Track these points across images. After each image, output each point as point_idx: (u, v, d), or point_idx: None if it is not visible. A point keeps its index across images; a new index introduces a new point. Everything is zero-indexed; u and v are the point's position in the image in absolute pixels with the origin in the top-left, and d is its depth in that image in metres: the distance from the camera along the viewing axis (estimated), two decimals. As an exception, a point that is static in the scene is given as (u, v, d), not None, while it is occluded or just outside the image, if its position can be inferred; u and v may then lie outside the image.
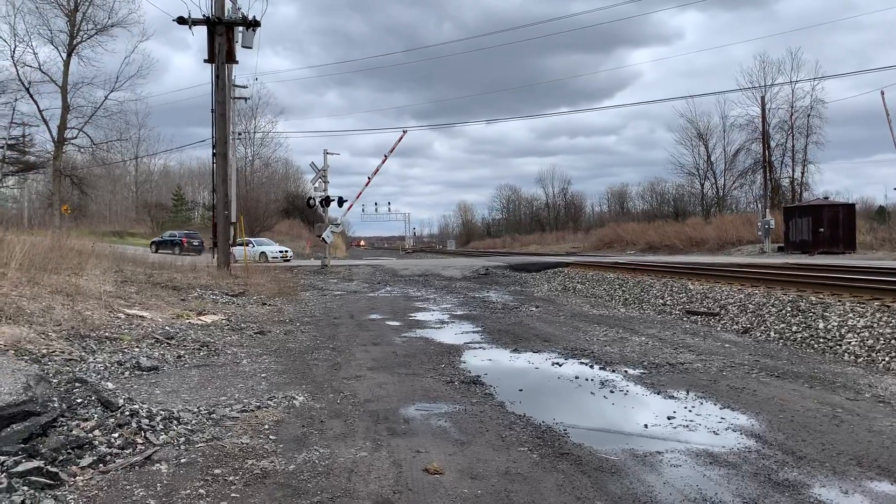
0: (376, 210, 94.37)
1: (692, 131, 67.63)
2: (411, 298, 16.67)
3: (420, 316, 12.87)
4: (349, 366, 7.62)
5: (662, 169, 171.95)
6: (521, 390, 6.48)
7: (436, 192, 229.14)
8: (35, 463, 3.84)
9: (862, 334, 8.71)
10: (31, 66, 46.87)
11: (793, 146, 56.45)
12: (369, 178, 32.45)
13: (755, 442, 4.77)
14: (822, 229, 36.03)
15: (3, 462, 3.84)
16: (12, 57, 46.39)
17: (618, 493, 3.82)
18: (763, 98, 49.24)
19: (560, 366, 7.75)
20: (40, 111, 48.52)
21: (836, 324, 9.35)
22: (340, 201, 29.83)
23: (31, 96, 47.65)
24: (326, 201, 28.65)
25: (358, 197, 37.40)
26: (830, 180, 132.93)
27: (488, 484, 3.94)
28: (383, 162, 30.99)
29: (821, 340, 9.01)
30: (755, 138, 55.17)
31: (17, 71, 46.58)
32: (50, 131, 48.94)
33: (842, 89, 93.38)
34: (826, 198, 44.53)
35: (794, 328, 9.77)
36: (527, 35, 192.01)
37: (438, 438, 4.83)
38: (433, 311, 13.82)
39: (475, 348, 9.01)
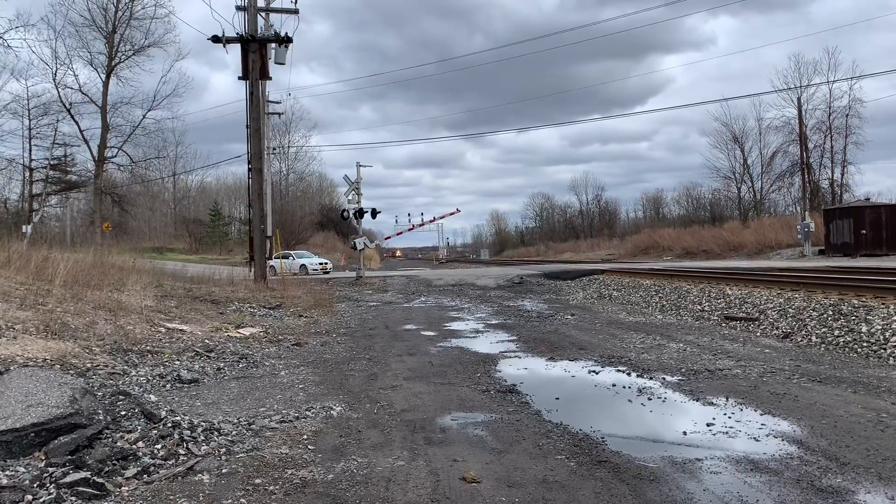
0: (409, 220, 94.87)
1: (727, 135, 66.73)
2: (446, 308, 16.70)
3: (455, 326, 12.89)
4: (385, 376, 7.67)
5: (697, 173, 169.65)
6: (557, 399, 6.46)
7: (469, 201, 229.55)
8: (82, 474, 3.94)
9: (907, 337, 8.50)
10: (71, 88, 48.16)
11: (831, 147, 55.41)
12: (412, 225, 33.27)
13: (797, 448, 4.69)
14: (863, 231, 35.20)
15: (52, 473, 3.95)
16: (54, 79, 47.71)
17: (657, 500, 3.79)
18: (799, 99, 48.43)
19: (597, 374, 7.71)
20: (81, 131, 49.82)
21: (879, 327, 9.14)
22: (374, 213, 30.03)
23: (72, 117, 48.97)
24: (360, 213, 28.86)
25: (398, 234, 38.19)
26: (872, 181, 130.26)
27: (526, 492, 3.93)
28: (431, 221, 31.93)
29: (864, 344, 8.81)
30: (792, 140, 54.24)
31: (59, 93, 47.91)
32: (90, 151, 50.20)
33: (881, 88, 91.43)
34: (867, 199, 43.58)
35: (836, 332, 9.57)
36: (557, 42, 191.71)
37: (475, 447, 4.84)
38: (468, 320, 13.82)
39: (511, 357, 8.99)
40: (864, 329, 9.27)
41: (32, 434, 4.31)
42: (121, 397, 5.57)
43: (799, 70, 58.43)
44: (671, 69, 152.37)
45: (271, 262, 26.46)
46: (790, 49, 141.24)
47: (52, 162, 51.90)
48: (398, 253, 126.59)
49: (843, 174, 55.42)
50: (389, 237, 40.23)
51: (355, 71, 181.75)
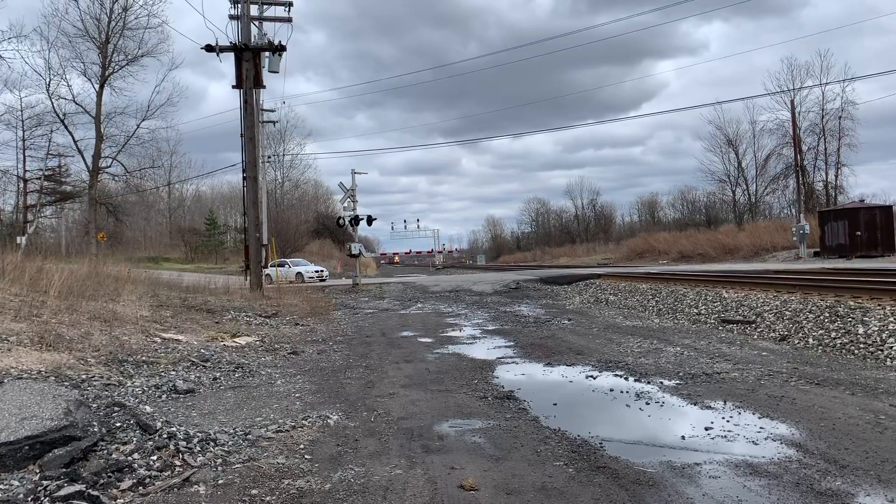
0: (405, 227, 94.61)
1: (721, 138, 66.96)
2: (442, 314, 16.67)
3: (452, 332, 12.86)
4: (382, 384, 7.63)
5: (692, 177, 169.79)
6: (555, 404, 6.44)
7: (464, 207, 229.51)
8: (77, 487, 3.91)
9: (904, 338, 8.50)
10: (65, 99, 48.21)
11: (825, 149, 55.69)
12: (410, 250, 34.51)
13: (796, 451, 4.68)
14: (859, 232, 35.33)
15: (47, 486, 3.91)
16: (47, 90, 47.77)
17: (656, 506, 3.77)
18: (792, 101, 48.65)
19: (594, 378, 7.69)
20: (75, 142, 49.84)
21: (876, 328, 9.14)
22: (370, 220, 30.06)
23: (66, 128, 49.01)
24: (356, 220, 28.88)
25: (395, 254, 39.14)
26: (866, 182, 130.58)
27: (524, 499, 3.91)
28: (429, 252, 33.01)
29: (861, 346, 8.81)
30: (786, 143, 54.49)
31: (53, 103, 47.96)
32: (85, 161, 50.19)
33: (873, 91, 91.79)
34: (862, 200, 43.68)
35: (833, 334, 9.57)
36: (551, 49, 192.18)
37: (473, 454, 4.81)
38: (465, 326, 13.80)
39: (508, 363, 8.97)
40: (861, 331, 9.27)
41: (27, 447, 4.27)
42: (116, 408, 5.53)
43: (791, 73, 58.47)
44: (665, 74, 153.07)
45: (267, 271, 26.42)
46: (781, 53, 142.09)
47: (46, 173, 51.84)
48: (396, 259, 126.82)
49: (837, 176, 55.71)
50: (385, 253, 40.74)
51: (351, 79, 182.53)
